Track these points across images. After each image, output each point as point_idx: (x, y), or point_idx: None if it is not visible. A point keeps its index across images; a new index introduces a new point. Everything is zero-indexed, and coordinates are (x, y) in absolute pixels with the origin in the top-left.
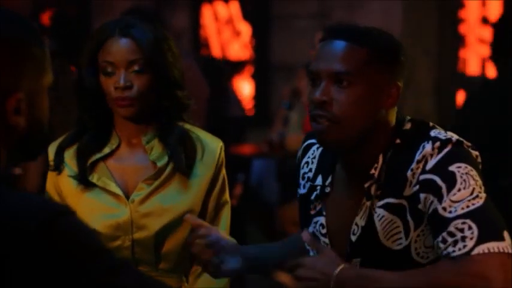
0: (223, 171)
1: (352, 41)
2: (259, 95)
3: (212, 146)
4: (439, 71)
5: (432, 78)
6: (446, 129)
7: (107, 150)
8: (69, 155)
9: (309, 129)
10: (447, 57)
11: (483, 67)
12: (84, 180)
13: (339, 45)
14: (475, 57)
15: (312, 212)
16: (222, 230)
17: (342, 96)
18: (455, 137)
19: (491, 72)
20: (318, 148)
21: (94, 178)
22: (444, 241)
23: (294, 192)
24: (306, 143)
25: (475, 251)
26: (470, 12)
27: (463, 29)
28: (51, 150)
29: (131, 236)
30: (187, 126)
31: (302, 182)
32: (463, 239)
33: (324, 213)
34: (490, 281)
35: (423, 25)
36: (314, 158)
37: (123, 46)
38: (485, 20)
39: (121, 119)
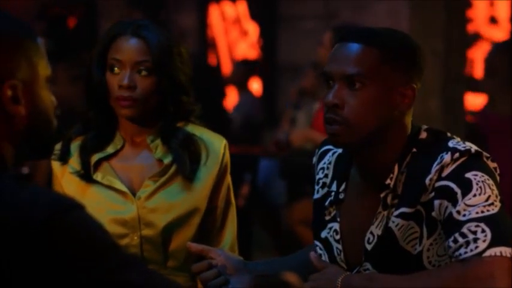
0: (228, 174)
1: (364, 43)
2: (266, 95)
3: (216, 145)
4: (447, 71)
5: (439, 78)
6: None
7: (110, 150)
8: (73, 150)
9: (316, 128)
10: (454, 57)
11: None
12: (87, 176)
13: (352, 47)
14: (483, 57)
15: (327, 218)
16: (230, 232)
17: (354, 99)
18: (474, 147)
19: None
20: (333, 154)
21: (98, 177)
22: (455, 241)
23: (300, 191)
24: (321, 149)
25: (487, 253)
26: (478, 12)
27: (470, 28)
28: (57, 145)
29: (139, 232)
30: (191, 126)
31: (317, 187)
32: (475, 240)
33: (338, 219)
34: (496, 282)
35: (430, 25)
36: (330, 163)
37: (132, 46)
38: (493, 20)
39: (124, 118)
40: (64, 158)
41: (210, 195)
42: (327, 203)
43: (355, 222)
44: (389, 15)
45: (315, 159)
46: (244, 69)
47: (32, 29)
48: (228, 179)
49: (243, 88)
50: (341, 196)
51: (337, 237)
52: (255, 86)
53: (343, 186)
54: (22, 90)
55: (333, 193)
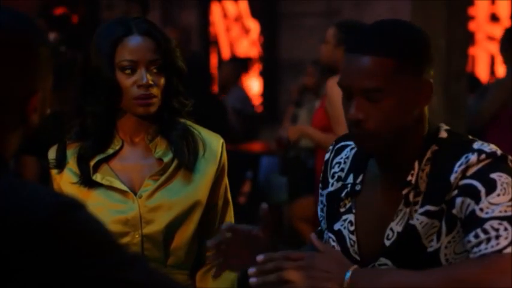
0: (226, 174)
1: (375, 55)
2: (268, 92)
3: (213, 143)
4: (448, 68)
5: (441, 76)
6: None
7: (109, 151)
8: (70, 156)
9: (315, 126)
10: (456, 54)
11: (492, 64)
12: (87, 180)
13: (366, 61)
14: (484, 55)
15: (342, 210)
16: None
17: (377, 111)
18: (499, 151)
19: (500, 69)
20: (351, 149)
21: (98, 178)
22: (477, 236)
23: (302, 189)
24: (338, 145)
25: (508, 250)
26: (480, 10)
27: (472, 26)
28: (51, 154)
29: (140, 231)
30: (188, 123)
31: (331, 181)
32: (497, 237)
33: (354, 210)
34: None
35: (432, 22)
36: (347, 158)
37: (143, 44)
38: (494, 18)
39: (125, 119)
40: (61, 166)
41: (210, 191)
42: (342, 195)
43: (372, 214)
44: (390, 12)
45: (328, 155)
46: (235, 66)
47: (43, 32)
48: (226, 178)
49: (234, 84)
50: (357, 188)
51: (352, 228)
52: (256, 83)
53: (360, 178)
54: (41, 101)
55: (349, 185)
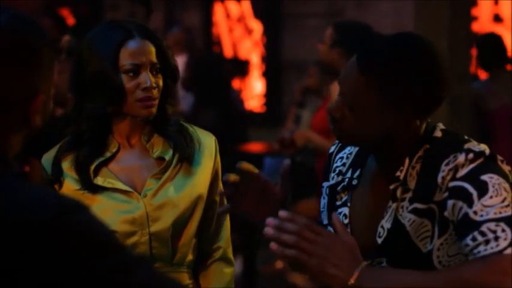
0: (220, 171)
1: (360, 70)
2: (270, 93)
3: (206, 139)
4: (451, 69)
5: None
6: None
7: (107, 155)
8: (67, 166)
9: (315, 126)
10: (459, 55)
11: None
12: (90, 185)
13: (350, 67)
14: None
15: (338, 203)
16: (225, 226)
17: (350, 116)
18: (488, 150)
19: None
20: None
21: (99, 181)
22: (474, 239)
23: (306, 190)
24: None
25: (508, 251)
26: (483, 10)
27: (475, 27)
28: (46, 163)
29: (148, 229)
30: (181, 120)
31: (332, 175)
32: (496, 239)
33: (349, 204)
34: None
35: (435, 23)
36: (350, 154)
37: (146, 47)
38: (497, 18)
39: (121, 122)
40: (58, 180)
41: (209, 186)
42: (339, 188)
43: (365, 210)
44: (393, 13)
45: (333, 148)
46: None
47: (46, 33)
48: (220, 176)
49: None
50: (354, 182)
51: (346, 221)
52: (258, 84)
53: (357, 173)
54: (44, 102)
55: (346, 179)
